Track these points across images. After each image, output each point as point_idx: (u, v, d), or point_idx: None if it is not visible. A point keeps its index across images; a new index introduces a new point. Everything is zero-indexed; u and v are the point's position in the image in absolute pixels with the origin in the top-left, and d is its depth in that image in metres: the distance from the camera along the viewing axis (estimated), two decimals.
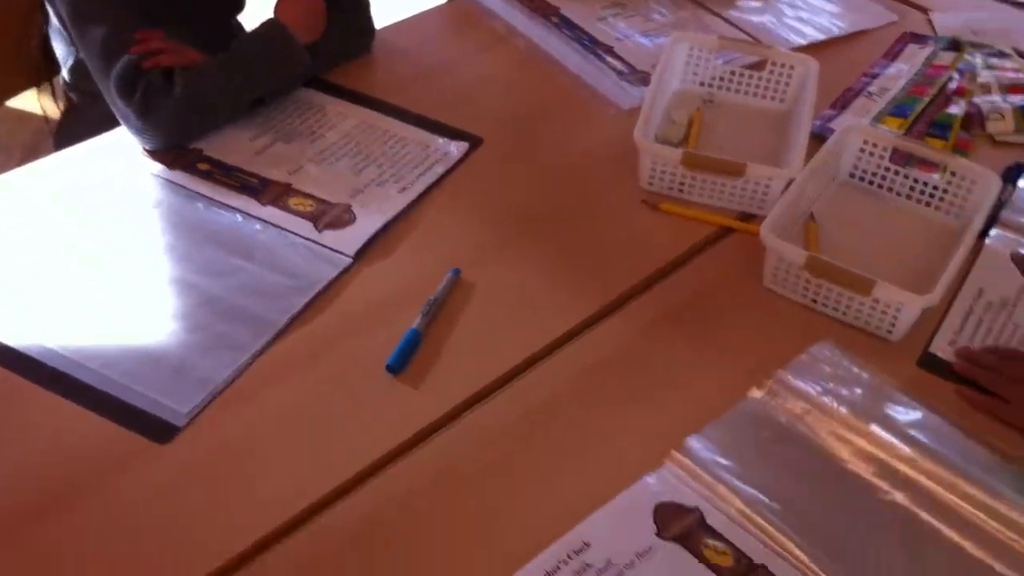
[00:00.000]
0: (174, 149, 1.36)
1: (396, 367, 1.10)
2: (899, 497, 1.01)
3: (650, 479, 1.01)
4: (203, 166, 1.34)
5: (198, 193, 1.31)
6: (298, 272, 1.21)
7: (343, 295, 1.19)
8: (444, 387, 1.09)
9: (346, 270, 1.22)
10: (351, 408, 1.08)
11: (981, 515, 1.00)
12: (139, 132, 1.35)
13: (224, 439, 1.04)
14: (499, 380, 1.11)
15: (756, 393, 1.10)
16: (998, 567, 0.95)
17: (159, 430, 1.04)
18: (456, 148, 1.40)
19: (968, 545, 0.97)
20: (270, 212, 1.28)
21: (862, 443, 1.06)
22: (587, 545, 0.95)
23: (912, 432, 1.07)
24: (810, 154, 1.31)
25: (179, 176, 1.33)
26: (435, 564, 0.95)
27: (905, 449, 1.05)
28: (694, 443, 1.04)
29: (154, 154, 1.36)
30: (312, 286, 1.19)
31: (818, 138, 1.39)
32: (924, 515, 1.00)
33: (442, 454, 1.04)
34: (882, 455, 1.05)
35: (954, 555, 0.96)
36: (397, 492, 1.00)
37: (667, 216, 1.33)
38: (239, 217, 1.27)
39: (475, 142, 1.42)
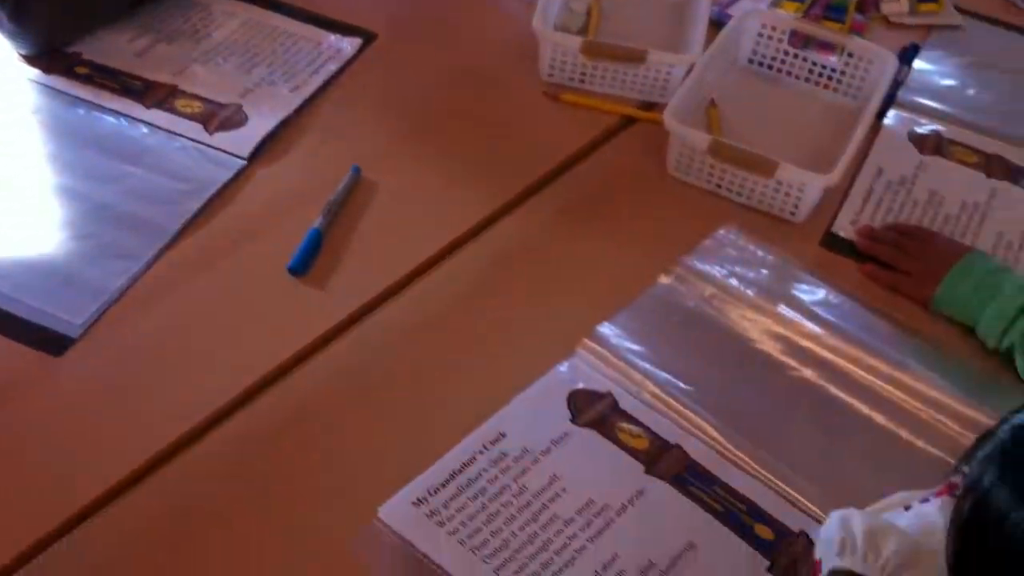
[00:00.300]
0: (50, 53, 1.29)
1: (299, 269, 1.07)
2: (808, 373, 1.02)
3: (562, 367, 1.01)
4: (82, 70, 1.27)
5: (78, 98, 1.24)
6: (189, 176, 1.16)
7: (239, 198, 1.15)
8: (350, 287, 1.07)
9: (240, 172, 1.17)
10: (254, 312, 1.05)
11: (887, 386, 1.01)
12: (12, 36, 1.28)
13: (122, 349, 1.00)
14: (406, 277, 1.09)
15: (664, 279, 1.10)
16: (904, 435, 0.98)
17: (52, 343, 0.99)
18: (349, 44, 1.36)
19: (876, 416, 0.99)
20: (156, 115, 1.22)
21: (770, 323, 1.07)
22: (503, 435, 0.94)
23: (818, 310, 1.08)
24: (709, 41, 1.30)
25: (57, 81, 1.26)
26: (349, 464, 0.93)
27: (812, 327, 1.06)
28: (605, 330, 1.04)
29: (29, 59, 1.28)
30: (205, 189, 1.14)
31: (716, 25, 1.37)
32: (833, 389, 1.01)
33: (351, 354, 1.02)
34: (790, 334, 1.06)
35: (863, 426, 0.98)
36: (307, 394, 0.98)
37: (569, 107, 1.30)
38: (123, 121, 1.22)
39: (368, 38, 1.37)
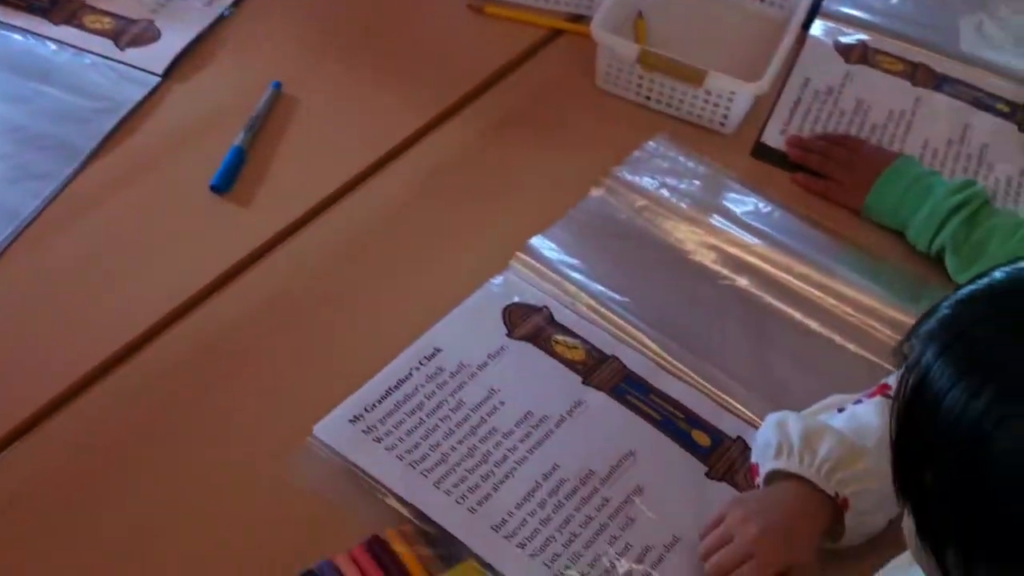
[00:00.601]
0: None
1: (222, 186, 1.04)
2: (742, 282, 1.02)
3: (496, 281, 1.00)
4: None
5: None
6: (103, 93, 1.11)
7: (156, 115, 1.11)
8: (276, 205, 1.04)
9: (156, 89, 1.13)
10: (178, 232, 1.01)
11: (819, 293, 1.02)
12: None
13: (40, 272, 0.97)
14: (333, 195, 1.06)
15: (595, 192, 1.09)
16: (838, 339, 0.98)
17: None
18: None
19: (810, 322, 1.00)
20: (64, 31, 1.17)
21: (703, 234, 1.06)
22: (438, 351, 0.93)
23: (750, 220, 1.08)
24: None
25: None
26: (282, 383, 0.91)
27: (744, 237, 1.06)
28: (537, 243, 1.03)
29: None
30: (119, 107, 1.10)
31: None
32: (766, 297, 1.01)
33: (281, 272, 0.99)
34: (722, 244, 1.06)
35: (797, 332, 0.99)
36: (236, 314, 0.96)
37: (494, 20, 1.27)
38: (31, 39, 1.16)
39: None
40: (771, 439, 0.83)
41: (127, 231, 1.01)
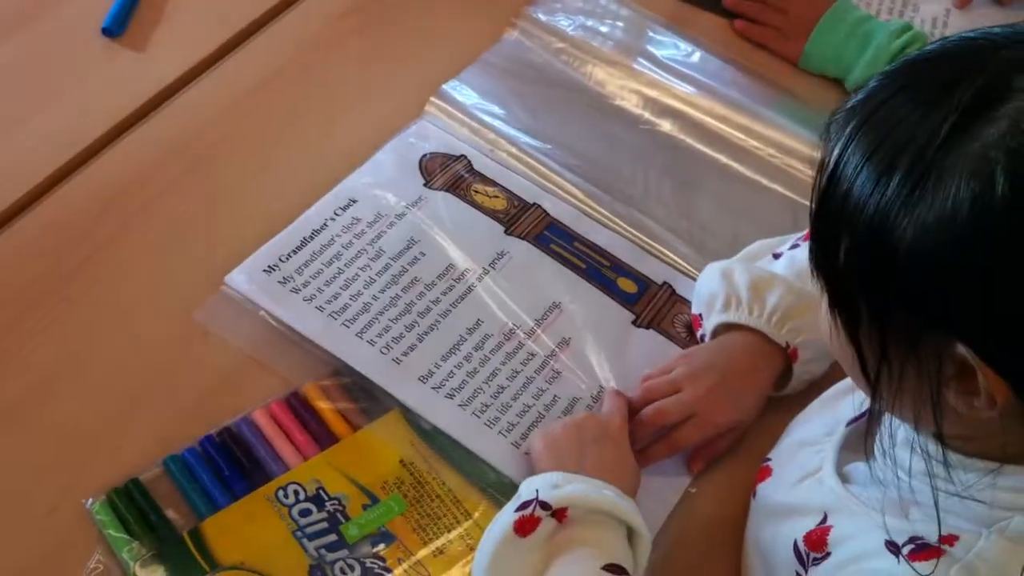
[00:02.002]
0: None
1: (114, 29, 0.97)
2: (665, 126, 1.00)
3: (411, 129, 0.95)
4: None
5: None
6: None
7: None
8: (174, 48, 0.98)
9: None
10: (70, 79, 0.95)
11: (745, 137, 1.00)
12: None
13: None
14: (235, 38, 1.00)
15: (510, 34, 1.05)
16: (765, 181, 0.96)
17: None
18: None
19: (736, 166, 0.97)
20: None
21: (624, 77, 1.03)
22: (353, 201, 0.89)
23: (674, 64, 1.05)
24: None
25: None
26: (189, 235, 0.87)
27: (668, 80, 1.03)
28: (451, 89, 0.98)
29: None
30: None
31: None
32: (690, 141, 0.99)
33: (181, 121, 0.94)
34: (645, 88, 1.03)
35: (723, 175, 0.97)
36: (135, 165, 0.90)
37: None
38: None
39: None
40: (717, 290, 0.80)
41: (11, 81, 0.94)
